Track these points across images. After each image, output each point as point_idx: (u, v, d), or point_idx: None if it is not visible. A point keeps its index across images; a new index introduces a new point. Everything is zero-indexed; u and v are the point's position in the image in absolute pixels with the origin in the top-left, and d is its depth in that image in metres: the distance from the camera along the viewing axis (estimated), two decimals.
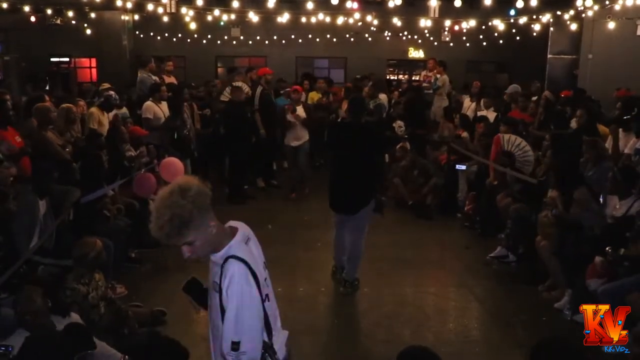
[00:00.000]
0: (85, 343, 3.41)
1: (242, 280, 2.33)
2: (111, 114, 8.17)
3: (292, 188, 9.76)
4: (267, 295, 2.47)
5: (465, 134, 9.30)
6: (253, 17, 14.67)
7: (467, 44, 19.20)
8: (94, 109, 8.04)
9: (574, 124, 8.02)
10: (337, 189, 5.90)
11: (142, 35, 17.97)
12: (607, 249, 4.92)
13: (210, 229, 2.32)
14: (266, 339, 2.44)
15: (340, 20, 15.22)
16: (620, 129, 6.79)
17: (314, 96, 11.70)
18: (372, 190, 5.84)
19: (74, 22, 15.80)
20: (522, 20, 15.17)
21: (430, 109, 11.84)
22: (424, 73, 13.10)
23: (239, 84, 9.77)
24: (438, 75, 12.19)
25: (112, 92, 8.49)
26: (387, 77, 19.68)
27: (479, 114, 10.24)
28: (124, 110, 8.74)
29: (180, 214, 2.19)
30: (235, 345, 2.32)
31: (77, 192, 5.51)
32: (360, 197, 5.77)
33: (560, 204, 5.77)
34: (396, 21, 15.57)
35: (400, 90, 13.47)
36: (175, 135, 8.14)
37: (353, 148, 5.72)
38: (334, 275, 6.32)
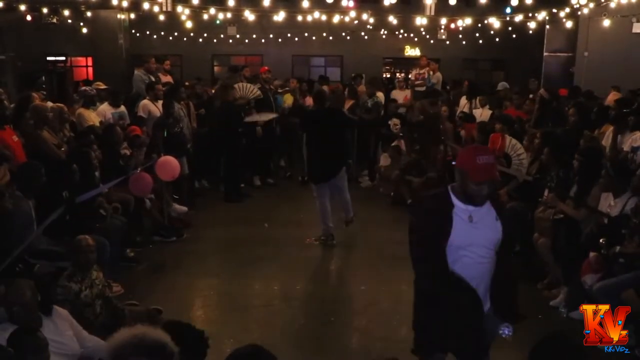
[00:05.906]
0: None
1: None
2: (102, 107, 8.26)
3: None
4: None
5: (463, 132, 9.33)
6: (249, 15, 14.68)
7: (463, 42, 19.21)
8: (81, 110, 8.07)
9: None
10: (319, 162, 7.34)
11: (138, 34, 17.93)
12: (600, 241, 4.94)
13: None
14: None
15: (336, 18, 15.23)
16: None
17: (287, 99, 11.11)
18: (344, 157, 7.39)
19: (70, 21, 15.75)
20: (518, 18, 15.20)
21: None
22: (415, 71, 13.02)
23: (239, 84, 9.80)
24: (432, 72, 12.17)
25: (85, 88, 8.61)
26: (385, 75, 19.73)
27: (474, 112, 10.25)
28: (122, 109, 8.74)
29: None
30: None
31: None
32: (337, 162, 7.28)
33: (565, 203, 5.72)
34: (392, 19, 15.57)
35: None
36: (165, 132, 8.13)
37: (324, 128, 7.25)
38: (326, 243, 7.19)
